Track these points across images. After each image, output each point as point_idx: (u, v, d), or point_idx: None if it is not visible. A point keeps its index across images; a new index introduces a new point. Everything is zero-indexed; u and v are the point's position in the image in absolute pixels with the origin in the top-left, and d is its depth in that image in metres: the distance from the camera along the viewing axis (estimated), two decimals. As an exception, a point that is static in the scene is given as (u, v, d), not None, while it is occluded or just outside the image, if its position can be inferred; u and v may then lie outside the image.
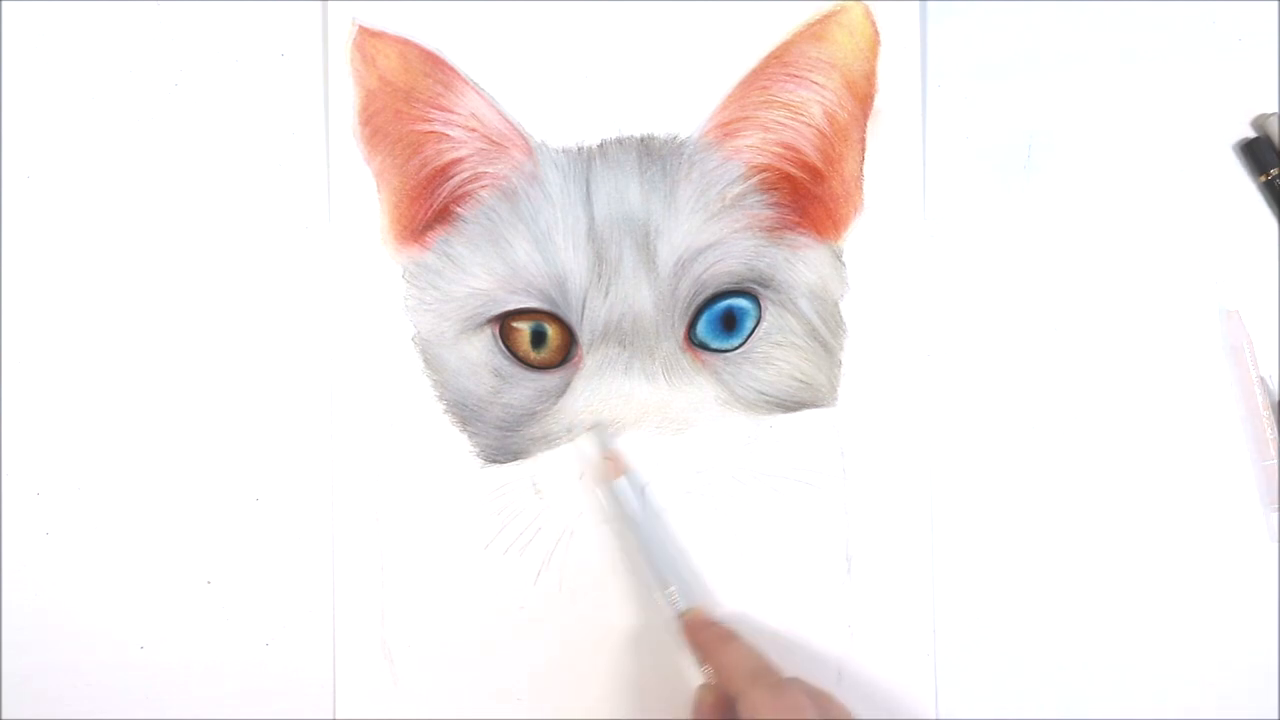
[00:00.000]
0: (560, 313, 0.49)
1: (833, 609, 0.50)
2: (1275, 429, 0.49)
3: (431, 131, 0.50)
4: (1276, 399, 0.50)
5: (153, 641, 0.50)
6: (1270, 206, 0.50)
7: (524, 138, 0.50)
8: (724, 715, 0.45)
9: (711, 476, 0.50)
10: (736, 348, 0.50)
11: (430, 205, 0.50)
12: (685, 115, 0.50)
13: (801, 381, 0.50)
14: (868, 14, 0.50)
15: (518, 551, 0.50)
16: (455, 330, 0.50)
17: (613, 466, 0.49)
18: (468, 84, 0.50)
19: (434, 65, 0.50)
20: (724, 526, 0.50)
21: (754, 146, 0.50)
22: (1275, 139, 0.50)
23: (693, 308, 0.49)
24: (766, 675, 0.45)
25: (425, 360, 0.50)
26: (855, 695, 0.49)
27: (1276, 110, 0.50)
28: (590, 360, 0.49)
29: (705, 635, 0.47)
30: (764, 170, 0.50)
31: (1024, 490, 0.50)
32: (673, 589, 0.48)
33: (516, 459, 0.50)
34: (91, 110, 0.51)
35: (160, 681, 0.50)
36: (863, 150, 0.50)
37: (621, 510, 0.49)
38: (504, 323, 0.50)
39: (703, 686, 0.46)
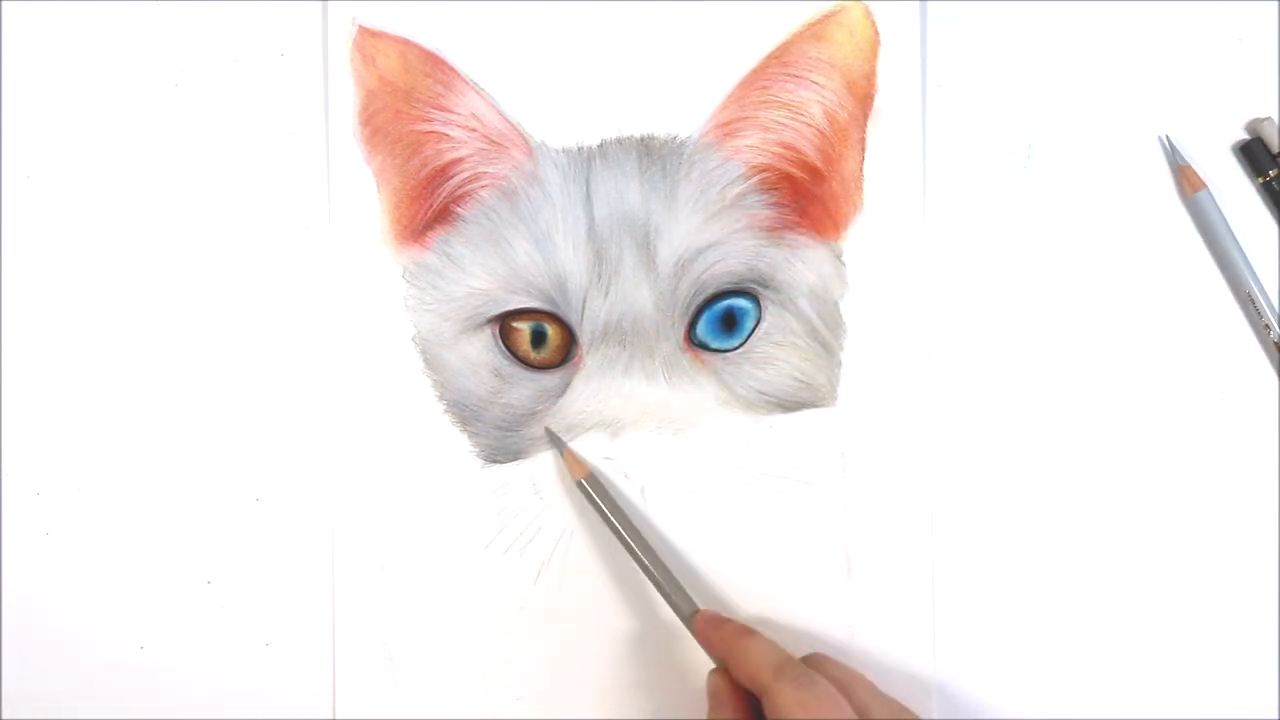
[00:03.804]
0: (560, 313, 0.49)
1: (833, 609, 0.50)
2: None
3: (431, 131, 0.50)
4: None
5: (153, 641, 0.50)
6: (1269, 208, 0.50)
7: (524, 138, 0.50)
8: (743, 707, 0.44)
9: (711, 476, 0.50)
10: (736, 348, 0.50)
11: (430, 205, 0.50)
12: (685, 115, 0.50)
13: (801, 381, 0.50)
14: (868, 14, 0.50)
15: (518, 551, 0.50)
16: (455, 330, 0.50)
17: (575, 466, 0.49)
18: (468, 84, 0.50)
19: (434, 65, 0.50)
20: (724, 526, 0.50)
21: (754, 146, 0.50)
22: (1270, 144, 0.50)
23: (693, 308, 0.49)
24: (791, 669, 0.43)
25: (425, 360, 0.50)
26: (855, 695, 0.49)
27: (1268, 115, 0.50)
28: (590, 360, 0.49)
29: (722, 633, 0.46)
30: (764, 170, 0.50)
31: (1024, 490, 0.50)
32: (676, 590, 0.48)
33: (516, 459, 0.50)
34: (91, 110, 0.51)
35: (160, 681, 0.50)
36: (863, 150, 0.50)
37: (607, 507, 0.49)
38: (504, 323, 0.50)
39: (715, 673, 0.45)
